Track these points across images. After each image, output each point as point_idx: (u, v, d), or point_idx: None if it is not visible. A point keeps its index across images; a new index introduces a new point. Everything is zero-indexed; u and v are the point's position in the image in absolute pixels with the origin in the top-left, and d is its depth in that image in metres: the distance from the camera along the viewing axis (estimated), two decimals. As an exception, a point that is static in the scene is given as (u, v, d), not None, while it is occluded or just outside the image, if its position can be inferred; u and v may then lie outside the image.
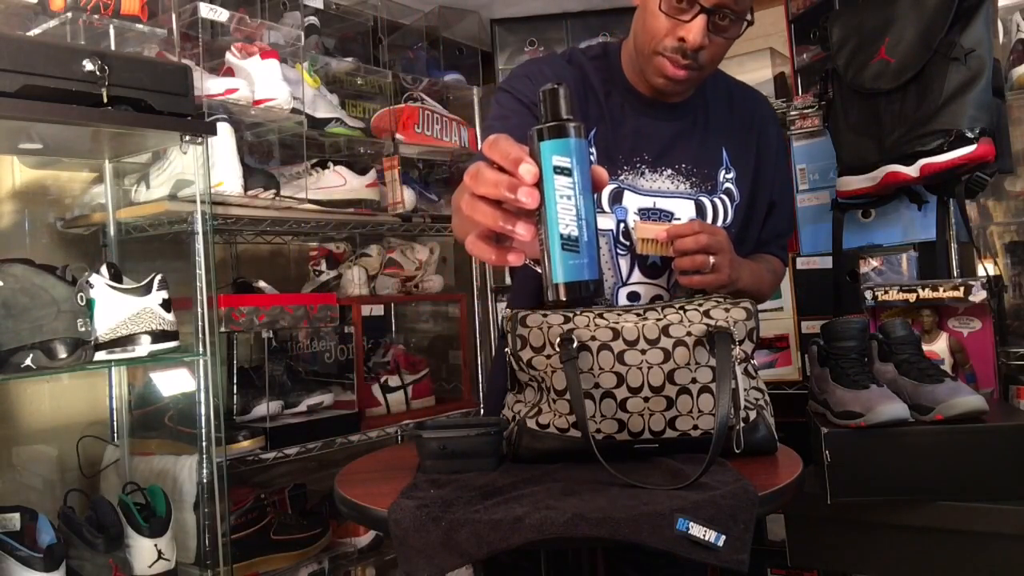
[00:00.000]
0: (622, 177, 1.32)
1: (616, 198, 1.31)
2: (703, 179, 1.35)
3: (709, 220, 1.34)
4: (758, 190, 1.40)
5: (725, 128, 1.38)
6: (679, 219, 1.33)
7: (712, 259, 1.22)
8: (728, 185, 1.37)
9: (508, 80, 1.37)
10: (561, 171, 0.79)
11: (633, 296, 1.35)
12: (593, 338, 1.16)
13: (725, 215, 1.36)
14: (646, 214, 1.33)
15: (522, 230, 0.78)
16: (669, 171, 1.34)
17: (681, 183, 1.34)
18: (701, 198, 1.35)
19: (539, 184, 0.77)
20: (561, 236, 0.79)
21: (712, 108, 1.38)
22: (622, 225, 1.31)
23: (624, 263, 1.32)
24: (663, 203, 1.33)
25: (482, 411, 1.68)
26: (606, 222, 1.31)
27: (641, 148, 1.32)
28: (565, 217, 0.79)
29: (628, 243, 1.31)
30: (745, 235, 1.40)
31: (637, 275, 1.34)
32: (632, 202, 1.32)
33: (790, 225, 1.55)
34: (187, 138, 1.69)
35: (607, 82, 1.34)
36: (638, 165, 1.33)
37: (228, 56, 1.98)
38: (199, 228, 1.72)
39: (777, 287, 1.52)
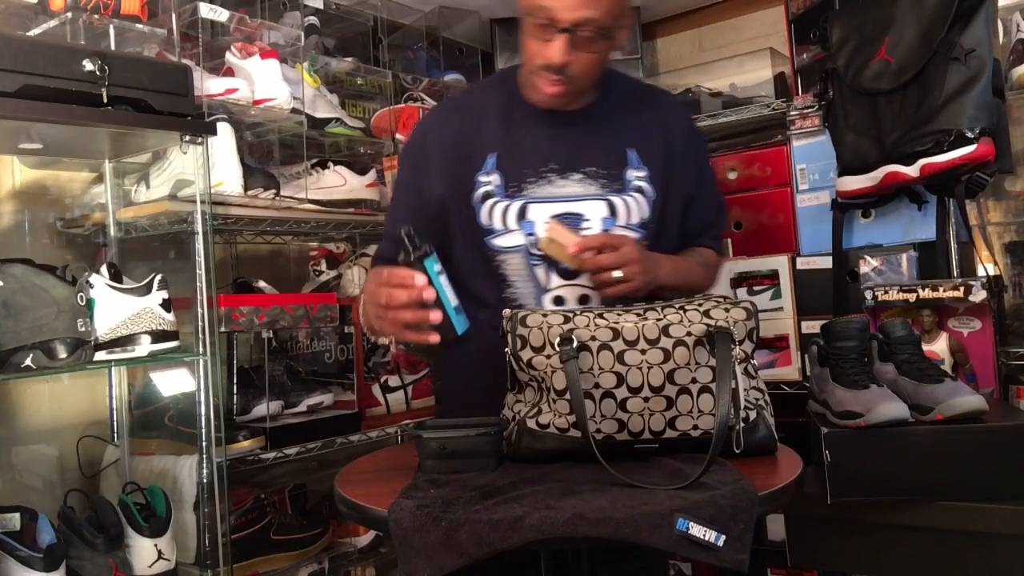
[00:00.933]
0: (527, 191, 1.40)
1: (522, 214, 1.39)
2: (611, 179, 1.41)
3: (622, 218, 1.41)
4: (671, 186, 1.45)
5: (631, 130, 1.44)
6: (588, 220, 1.39)
7: (617, 273, 1.29)
8: (640, 183, 1.43)
9: (399, 165, 1.56)
10: (439, 272, 1.24)
11: (559, 300, 1.40)
12: (593, 338, 1.16)
13: (639, 211, 1.42)
14: (560, 219, 1.38)
15: (435, 316, 1.20)
16: (578, 175, 1.41)
17: (590, 185, 1.41)
18: (611, 197, 1.41)
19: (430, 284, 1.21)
20: (454, 307, 1.26)
21: (616, 112, 1.45)
22: (532, 238, 1.38)
23: (540, 271, 1.39)
24: (574, 206, 1.40)
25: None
26: (515, 239, 1.39)
27: (549, 157, 1.40)
28: (451, 296, 1.26)
29: (540, 253, 1.38)
30: (664, 228, 1.46)
31: (556, 280, 1.40)
32: (541, 212, 1.39)
33: (720, 216, 1.61)
34: (187, 138, 1.69)
35: (507, 104, 1.44)
36: (547, 174, 1.40)
37: (228, 56, 1.98)
38: (199, 228, 1.72)
39: (714, 278, 1.57)
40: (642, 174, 1.43)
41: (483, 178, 1.41)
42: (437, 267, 1.24)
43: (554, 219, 1.38)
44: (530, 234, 1.38)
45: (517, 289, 1.40)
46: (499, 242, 1.40)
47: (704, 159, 1.58)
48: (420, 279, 1.20)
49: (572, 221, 1.39)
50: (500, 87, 1.49)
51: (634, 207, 1.42)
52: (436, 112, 1.56)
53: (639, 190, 1.43)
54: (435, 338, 1.22)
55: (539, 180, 1.40)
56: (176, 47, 1.85)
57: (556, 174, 1.40)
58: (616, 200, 1.41)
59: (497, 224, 1.39)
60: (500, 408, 1.29)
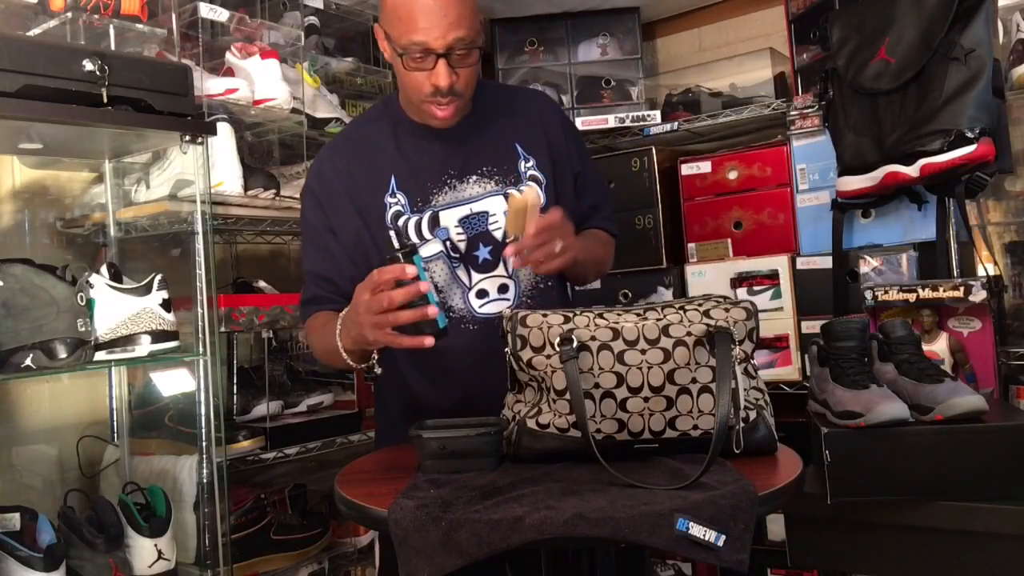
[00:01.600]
0: (434, 201, 1.48)
1: (434, 222, 1.48)
2: (505, 174, 1.51)
3: None
4: (559, 168, 1.56)
5: (512, 126, 1.55)
6: (494, 215, 1.49)
7: (559, 244, 1.35)
8: (532, 172, 1.53)
9: (304, 209, 1.57)
10: (424, 268, 1.25)
11: (482, 293, 1.48)
12: (593, 338, 1.16)
13: (537, 198, 1.48)
14: (466, 221, 1.48)
15: (432, 310, 1.20)
16: (474, 177, 1.50)
17: (487, 184, 1.50)
18: (509, 190, 1.49)
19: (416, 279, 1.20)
20: (437, 301, 1.24)
21: (493, 114, 1.56)
22: (448, 243, 1.47)
23: (462, 272, 1.48)
24: (477, 206, 1.49)
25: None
26: (434, 247, 1.47)
27: (445, 167, 1.50)
28: (435, 291, 1.26)
29: (456, 255, 1.48)
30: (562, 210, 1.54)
31: (476, 276, 1.49)
32: (450, 217, 1.48)
33: (606, 196, 1.70)
34: (187, 138, 1.69)
35: (394, 129, 1.53)
36: (447, 181, 1.49)
37: (228, 56, 1.98)
38: (199, 228, 1.72)
39: (611, 256, 1.67)
40: (531, 163, 1.54)
41: (389, 199, 1.49)
42: (423, 263, 1.25)
43: (461, 226, 1.47)
44: (446, 240, 1.47)
45: (445, 294, 1.47)
46: (420, 254, 1.45)
47: (580, 142, 1.67)
48: (411, 270, 1.20)
49: (479, 220, 1.48)
50: (383, 115, 1.57)
51: None
52: (327, 152, 1.59)
53: (533, 178, 1.53)
54: (430, 341, 1.21)
55: (442, 188, 1.49)
56: (176, 47, 1.86)
57: (455, 179, 1.50)
58: (514, 192, 1.49)
59: (413, 238, 1.47)
60: (441, 413, 1.33)
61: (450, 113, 1.44)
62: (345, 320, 1.32)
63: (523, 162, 1.53)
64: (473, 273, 1.48)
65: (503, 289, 1.49)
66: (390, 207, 1.48)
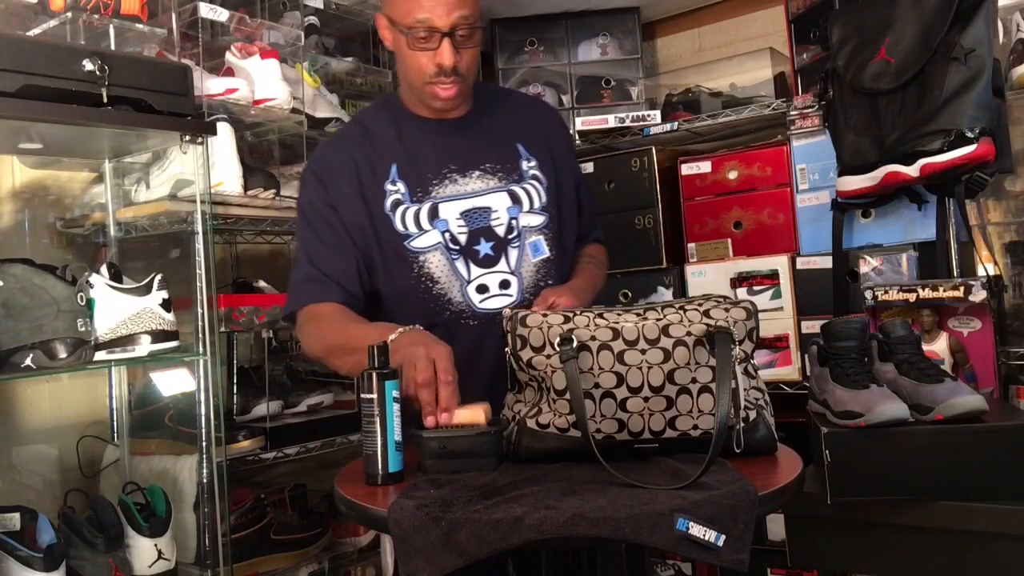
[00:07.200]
0: (434, 192, 1.49)
1: (434, 213, 1.48)
2: (508, 172, 1.53)
3: (525, 204, 1.52)
4: (560, 171, 1.59)
5: (514, 127, 1.58)
6: (496, 211, 1.50)
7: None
8: (533, 172, 1.56)
9: (304, 190, 1.55)
10: (395, 399, 1.16)
11: (482, 288, 1.48)
12: (593, 338, 1.16)
13: (539, 197, 1.54)
14: (468, 215, 1.49)
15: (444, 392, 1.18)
16: (477, 172, 1.52)
17: (490, 180, 1.52)
18: (512, 188, 1.52)
19: (381, 406, 1.15)
20: (396, 441, 1.15)
21: (497, 114, 1.59)
22: (447, 235, 1.47)
23: (460, 264, 1.48)
24: (481, 200, 1.50)
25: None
26: (432, 237, 1.47)
27: (446, 160, 1.51)
28: (397, 429, 1.15)
29: (456, 247, 1.47)
30: (562, 212, 1.57)
31: (477, 270, 1.48)
32: (452, 210, 1.49)
33: (593, 203, 1.74)
34: (187, 138, 1.69)
35: (396, 122, 1.54)
36: (449, 175, 1.50)
37: (228, 56, 1.98)
38: (199, 228, 1.72)
39: (606, 265, 1.71)
40: (532, 163, 1.56)
41: (390, 187, 1.50)
42: (395, 393, 1.16)
43: (463, 219, 1.48)
44: (445, 231, 1.47)
45: (443, 286, 1.47)
46: (417, 244, 1.47)
47: (574, 151, 1.73)
48: (447, 368, 1.19)
49: (481, 214, 1.50)
50: (384, 109, 1.59)
51: (534, 194, 1.54)
52: (330, 142, 1.61)
53: (535, 178, 1.55)
54: (445, 418, 1.19)
55: (443, 181, 1.50)
56: (176, 47, 1.85)
57: (456, 174, 1.51)
58: (517, 189, 1.53)
59: (412, 227, 1.47)
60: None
61: (453, 93, 1.44)
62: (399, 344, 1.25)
63: (525, 162, 1.55)
64: (472, 267, 1.48)
65: (504, 285, 1.49)
66: (389, 195, 1.49)
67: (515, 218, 1.51)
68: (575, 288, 1.47)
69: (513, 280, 1.49)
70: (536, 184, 1.54)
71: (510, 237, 1.50)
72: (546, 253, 1.52)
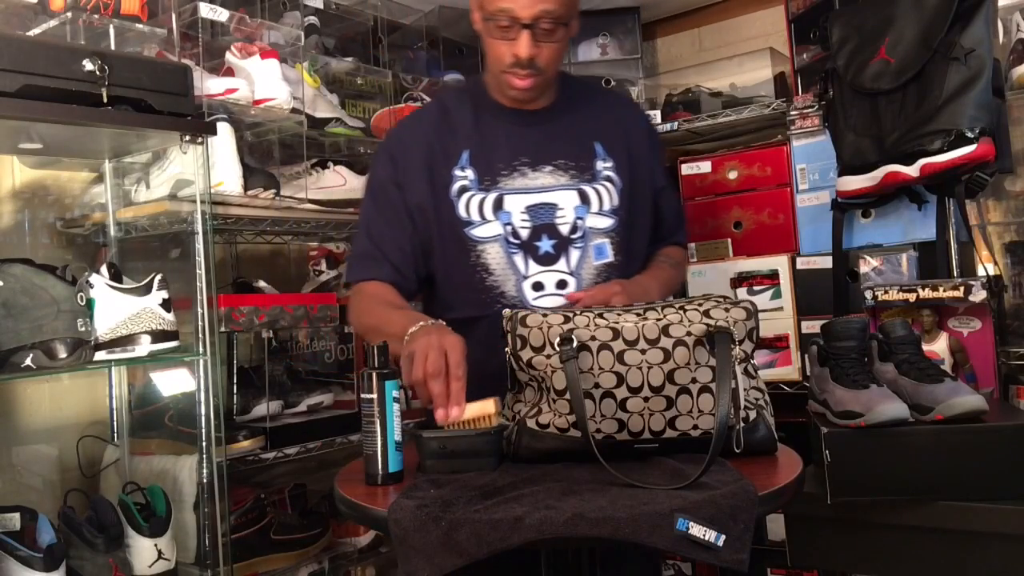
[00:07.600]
0: (502, 183, 1.48)
1: (498, 205, 1.47)
2: (581, 171, 1.51)
3: (594, 206, 1.50)
4: (637, 176, 1.56)
5: (595, 125, 1.55)
6: (562, 209, 1.47)
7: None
8: (608, 173, 1.53)
9: (375, 165, 1.59)
10: (395, 398, 1.16)
11: (538, 286, 1.46)
12: (593, 338, 1.16)
13: (610, 199, 1.51)
14: (533, 209, 1.47)
15: (455, 385, 1.16)
16: (549, 167, 1.49)
17: (561, 176, 1.50)
18: (583, 187, 1.50)
19: (381, 406, 1.15)
20: (396, 441, 1.16)
21: (580, 110, 1.55)
22: (508, 228, 1.46)
23: (519, 259, 1.46)
24: (548, 196, 1.48)
25: None
26: (494, 228, 1.46)
27: (519, 152, 1.49)
28: (397, 428, 1.16)
29: (517, 242, 1.46)
30: (635, 217, 1.55)
31: (535, 267, 1.47)
32: (517, 203, 1.47)
33: (679, 207, 1.74)
34: (187, 138, 1.69)
35: (476, 106, 1.54)
36: (519, 167, 1.49)
37: (228, 56, 1.98)
38: (199, 228, 1.72)
39: (685, 268, 1.73)
40: (608, 164, 1.53)
41: (458, 172, 1.48)
42: (395, 393, 1.17)
43: (528, 214, 1.46)
44: (507, 224, 1.46)
45: (497, 277, 1.46)
46: (478, 232, 1.46)
47: (663, 155, 1.68)
48: (458, 362, 1.17)
49: (547, 211, 1.47)
50: (466, 93, 1.59)
51: (605, 195, 1.51)
52: (407, 120, 1.63)
53: (608, 179, 1.52)
54: (456, 412, 1.17)
55: (512, 173, 1.48)
56: (176, 47, 1.85)
57: (527, 167, 1.49)
58: (587, 189, 1.50)
59: (475, 216, 1.46)
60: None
61: (528, 85, 1.43)
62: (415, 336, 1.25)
63: (600, 161, 1.52)
64: (531, 263, 1.46)
65: (562, 285, 1.47)
66: (457, 180, 1.48)
67: (581, 218, 1.48)
68: (636, 283, 1.45)
69: (571, 281, 1.47)
70: (609, 185, 1.51)
71: (573, 237, 1.48)
72: (610, 257, 1.49)
